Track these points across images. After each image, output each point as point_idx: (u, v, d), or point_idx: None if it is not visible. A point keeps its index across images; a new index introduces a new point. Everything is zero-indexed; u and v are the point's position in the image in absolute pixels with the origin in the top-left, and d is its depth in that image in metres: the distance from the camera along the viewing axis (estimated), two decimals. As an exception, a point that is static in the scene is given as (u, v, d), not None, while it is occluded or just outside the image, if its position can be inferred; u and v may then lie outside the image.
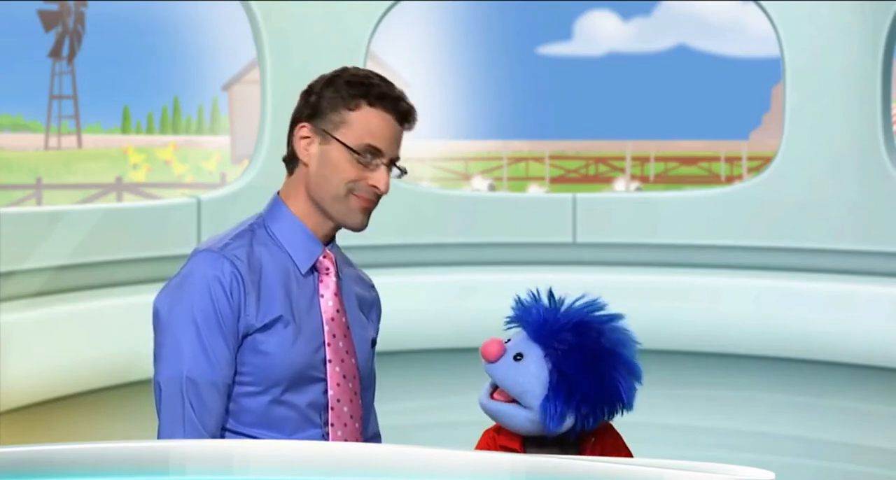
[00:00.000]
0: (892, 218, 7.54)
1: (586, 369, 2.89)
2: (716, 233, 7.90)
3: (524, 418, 2.90)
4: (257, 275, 2.86)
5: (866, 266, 7.55)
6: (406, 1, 7.97)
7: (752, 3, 7.81)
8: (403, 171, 2.94)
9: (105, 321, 7.17)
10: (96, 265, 7.23)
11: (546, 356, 2.90)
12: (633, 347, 2.95)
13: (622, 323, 2.97)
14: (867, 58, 7.57)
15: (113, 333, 7.14)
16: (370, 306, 3.07)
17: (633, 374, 2.93)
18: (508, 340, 2.97)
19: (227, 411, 2.87)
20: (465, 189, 22.33)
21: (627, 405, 2.92)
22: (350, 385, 2.91)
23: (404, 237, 7.84)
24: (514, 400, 2.91)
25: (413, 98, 3.01)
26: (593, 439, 2.96)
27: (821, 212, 7.67)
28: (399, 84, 3.01)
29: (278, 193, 2.97)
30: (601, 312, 2.98)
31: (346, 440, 2.89)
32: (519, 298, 3.04)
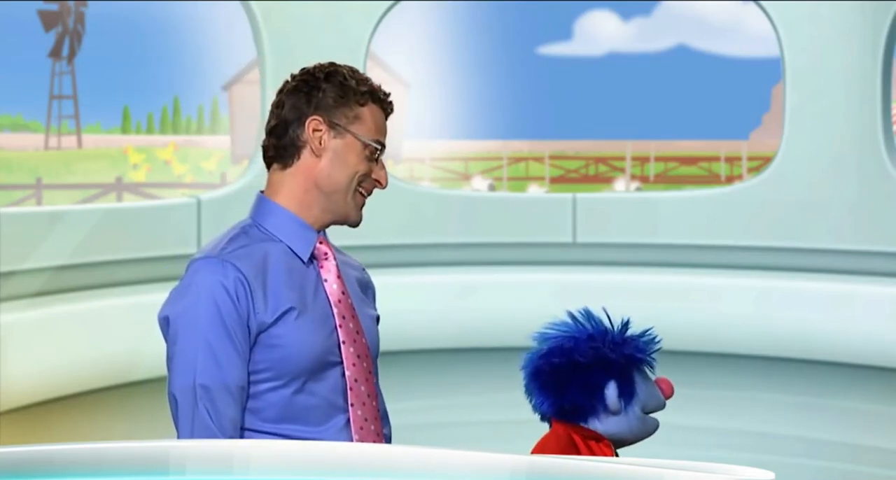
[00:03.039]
0: (892, 218, 7.54)
1: None
2: (716, 233, 7.90)
3: None
4: (262, 271, 2.89)
5: (866, 266, 7.55)
6: (406, 1, 7.97)
7: (752, 3, 7.81)
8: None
9: (105, 321, 7.17)
10: (96, 265, 7.23)
11: None
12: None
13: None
14: (867, 58, 7.57)
15: (113, 333, 7.14)
16: (366, 287, 3.12)
17: None
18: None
19: (248, 410, 2.88)
20: (465, 189, 22.31)
21: None
22: (364, 364, 2.95)
23: (404, 237, 7.84)
24: None
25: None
26: None
27: (821, 212, 7.67)
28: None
29: (262, 192, 3.02)
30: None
31: (366, 419, 2.93)
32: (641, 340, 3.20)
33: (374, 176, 2.97)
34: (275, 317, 2.86)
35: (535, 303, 7.02)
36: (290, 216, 2.96)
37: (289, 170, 2.98)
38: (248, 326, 2.86)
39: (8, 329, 6.73)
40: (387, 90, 3.06)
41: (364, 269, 3.14)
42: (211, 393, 2.83)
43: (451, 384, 7.66)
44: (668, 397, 3.16)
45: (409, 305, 7.53)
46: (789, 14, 7.71)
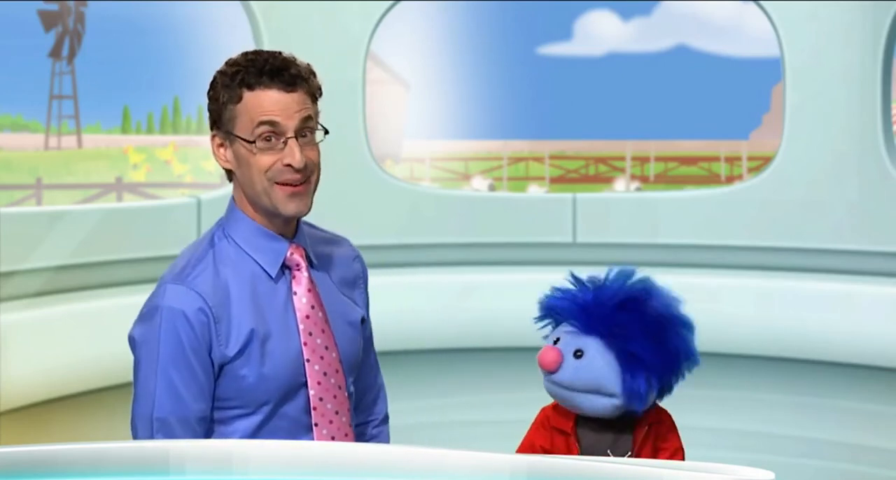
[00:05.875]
0: (892, 218, 7.54)
1: (651, 342, 2.85)
2: (716, 233, 7.90)
3: (609, 404, 2.85)
4: (226, 301, 2.80)
5: (866, 266, 7.55)
6: (406, 1, 7.97)
7: (752, 3, 7.81)
8: (326, 131, 2.84)
9: (105, 321, 7.16)
10: (96, 265, 7.23)
11: (606, 344, 2.86)
12: (676, 300, 2.93)
13: (656, 283, 2.94)
14: (867, 58, 7.57)
15: (113, 333, 7.11)
16: (353, 282, 3.00)
17: (688, 327, 2.93)
18: (557, 341, 2.92)
19: (219, 433, 2.83)
20: (465, 189, 22.32)
21: (695, 359, 2.94)
22: (332, 380, 2.85)
23: (404, 237, 7.83)
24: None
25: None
26: (647, 427, 2.93)
27: (821, 212, 7.66)
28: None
29: (232, 198, 2.89)
30: (635, 279, 2.93)
31: (333, 437, 2.84)
32: (550, 295, 3.00)
33: (284, 161, 2.78)
34: (237, 350, 2.79)
35: (536, 303, 7.01)
36: (255, 227, 2.84)
37: (234, 183, 2.89)
38: (211, 357, 2.79)
39: (8, 329, 6.73)
40: (284, 55, 2.80)
41: (356, 257, 3.02)
42: (169, 426, 2.78)
43: (451, 384, 7.66)
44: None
45: (409, 305, 7.52)
46: (789, 14, 7.71)
